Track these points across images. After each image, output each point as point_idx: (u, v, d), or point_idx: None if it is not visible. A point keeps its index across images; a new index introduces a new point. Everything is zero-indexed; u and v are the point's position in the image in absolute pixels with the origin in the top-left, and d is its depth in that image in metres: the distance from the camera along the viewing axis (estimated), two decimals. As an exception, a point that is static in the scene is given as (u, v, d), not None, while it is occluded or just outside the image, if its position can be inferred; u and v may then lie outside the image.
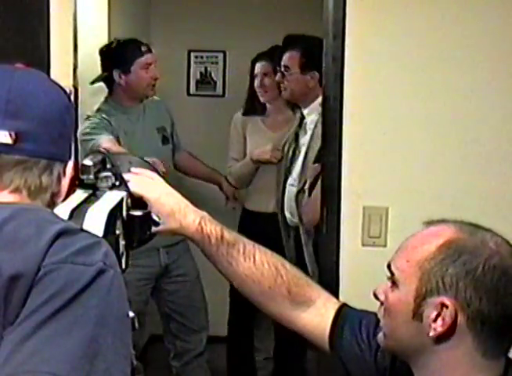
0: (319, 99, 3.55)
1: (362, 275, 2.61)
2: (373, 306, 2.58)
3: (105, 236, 1.40)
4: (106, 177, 1.71)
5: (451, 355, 1.43)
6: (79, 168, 1.65)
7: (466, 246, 1.42)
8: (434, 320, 1.41)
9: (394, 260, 1.50)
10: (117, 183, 1.75)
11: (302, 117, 3.73)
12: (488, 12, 2.57)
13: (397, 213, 2.61)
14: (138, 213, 1.74)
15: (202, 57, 5.21)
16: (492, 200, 2.61)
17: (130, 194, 1.76)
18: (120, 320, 1.21)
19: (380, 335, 1.55)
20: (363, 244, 2.63)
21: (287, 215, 3.71)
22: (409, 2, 2.61)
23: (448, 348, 1.42)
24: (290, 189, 3.67)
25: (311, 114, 3.63)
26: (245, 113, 4.16)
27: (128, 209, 1.72)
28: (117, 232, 1.55)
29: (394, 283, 1.49)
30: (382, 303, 1.54)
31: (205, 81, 5.09)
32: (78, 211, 1.46)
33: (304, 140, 3.65)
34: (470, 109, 2.61)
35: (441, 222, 1.50)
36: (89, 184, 1.66)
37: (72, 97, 3.37)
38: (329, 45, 2.62)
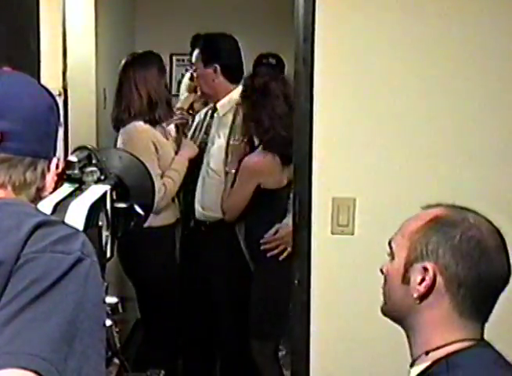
0: (231, 95, 3.58)
1: (332, 260, 2.64)
2: (341, 287, 2.62)
3: (86, 228, 1.40)
4: (92, 171, 1.71)
5: (432, 314, 1.52)
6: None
7: (448, 220, 1.53)
8: (420, 283, 1.51)
9: (393, 237, 1.60)
10: (103, 177, 1.75)
11: (214, 110, 3.69)
12: (462, 15, 2.56)
13: (363, 204, 2.61)
14: (122, 205, 1.75)
15: (183, 60, 5.21)
16: (451, 190, 2.57)
17: (114, 187, 1.76)
18: (97, 306, 1.21)
19: (382, 303, 1.64)
20: (332, 233, 2.63)
21: (198, 208, 3.58)
22: (379, 5, 2.58)
23: (429, 308, 1.52)
24: (208, 182, 3.58)
25: (225, 108, 3.59)
26: (152, 123, 3.56)
27: (113, 201, 1.71)
28: (100, 223, 1.55)
29: (392, 256, 1.59)
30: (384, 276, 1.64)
31: (186, 82, 5.10)
32: (61, 206, 1.46)
33: (220, 132, 3.59)
34: (435, 104, 2.59)
35: (437, 205, 1.60)
36: (76, 178, 1.66)
37: (62, 98, 3.37)
38: (299, 48, 2.58)
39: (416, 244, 1.52)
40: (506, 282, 1.54)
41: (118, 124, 3.59)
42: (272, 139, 3.33)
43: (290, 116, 3.19)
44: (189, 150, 3.66)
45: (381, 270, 1.63)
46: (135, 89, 3.53)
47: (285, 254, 3.27)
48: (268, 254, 3.33)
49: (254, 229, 3.41)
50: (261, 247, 3.36)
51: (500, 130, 2.59)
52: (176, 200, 3.68)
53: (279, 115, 3.31)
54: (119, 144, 3.50)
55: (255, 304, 3.41)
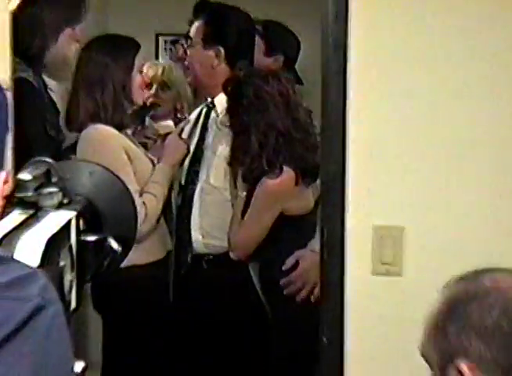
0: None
1: (373, 311, 2.66)
2: (385, 348, 2.59)
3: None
4: (51, 193, 1.70)
5: None
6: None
7: (459, 297, 1.61)
8: None
9: (421, 344, 1.68)
10: (66, 201, 1.73)
11: (210, 108, 3.69)
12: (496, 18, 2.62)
13: (414, 234, 2.63)
14: (91, 238, 1.73)
15: (172, 42, 5.23)
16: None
17: (82, 214, 1.74)
18: (62, 371, 1.18)
19: None
20: (373, 273, 2.64)
21: (197, 235, 3.59)
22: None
23: None
24: (208, 201, 3.58)
25: (225, 105, 3.55)
26: (119, 128, 3.47)
27: (80, 233, 1.70)
28: (62, 263, 1.54)
29: (431, 366, 1.65)
30: None
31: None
32: (8, 239, 1.44)
33: (223, 138, 3.57)
34: (491, 117, 2.64)
35: (447, 283, 1.67)
36: (29, 202, 1.64)
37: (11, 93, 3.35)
38: (329, 28, 2.65)
39: (440, 344, 1.60)
40: None
41: (72, 126, 3.48)
42: (282, 155, 3.37)
43: (297, 117, 3.18)
44: (174, 153, 3.56)
45: None
46: (88, 83, 3.44)
47: (315, 293, 3.24)
48: (297, 299, 3.33)
49: (272, 267, 3.40)
50: (284, 292, 3.37)
51: None
52: (165, 226, 3.62)
53: (282, 126, 3.38)
54: (78, 154, 3.36)
55: (278, 362, 3.41)
